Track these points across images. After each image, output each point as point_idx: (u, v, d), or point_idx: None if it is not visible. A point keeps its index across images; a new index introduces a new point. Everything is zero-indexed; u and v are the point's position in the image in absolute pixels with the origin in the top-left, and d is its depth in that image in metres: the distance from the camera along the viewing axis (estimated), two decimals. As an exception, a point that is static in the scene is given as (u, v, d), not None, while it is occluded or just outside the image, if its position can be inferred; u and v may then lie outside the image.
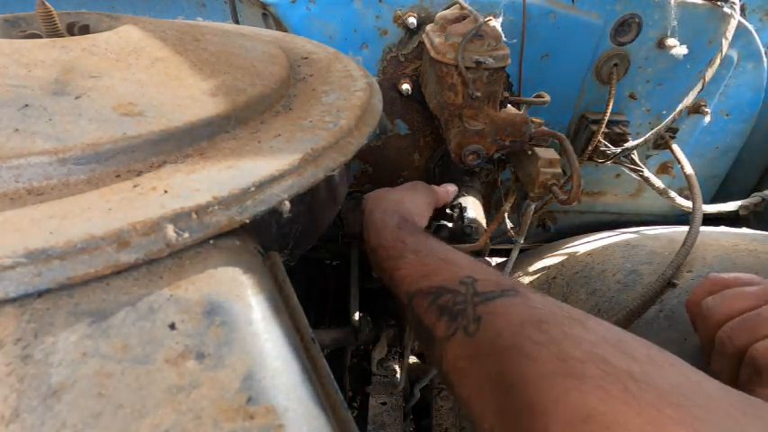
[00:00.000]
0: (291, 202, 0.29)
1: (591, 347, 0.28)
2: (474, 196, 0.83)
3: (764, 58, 0.82)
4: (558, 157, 0.58)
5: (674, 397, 0.24)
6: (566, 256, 0.83)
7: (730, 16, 0.73)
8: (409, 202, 0.59)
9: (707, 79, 0.74)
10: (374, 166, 0.89)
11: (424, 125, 0.84)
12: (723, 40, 0.72)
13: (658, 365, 0.27)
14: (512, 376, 0.29)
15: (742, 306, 0.38)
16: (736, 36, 0.73)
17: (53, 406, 0.19)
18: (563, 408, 0.25)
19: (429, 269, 0.42)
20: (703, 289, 0.42)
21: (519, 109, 0.70)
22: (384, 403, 0.61)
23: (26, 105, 0.29)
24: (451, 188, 0.71)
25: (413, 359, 0.84)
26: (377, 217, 0.55)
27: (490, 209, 0.96)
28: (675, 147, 0.83)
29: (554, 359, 0.28)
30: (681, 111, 0.78)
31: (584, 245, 0.84)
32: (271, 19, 0.73)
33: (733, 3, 0.73)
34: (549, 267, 0.83)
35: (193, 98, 0.34)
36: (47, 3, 0.39)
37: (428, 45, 0.65)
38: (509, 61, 0.59)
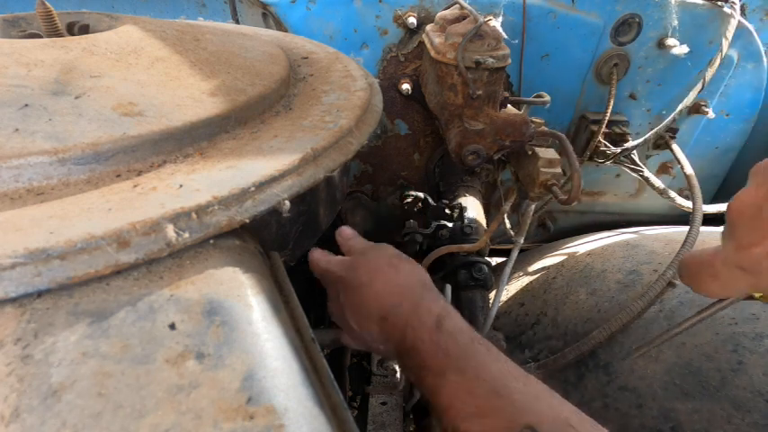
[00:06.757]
0: (291, 202, 0.29)
1: None
2: (474, 196, 0.83)
3: (764, 58, 0.82)
4: (558, 157, 0.58)
5: None
6: (566, 256, 0.83)
7: (730, 16, 0.73)
8: (425, 282, 0.44)
9: (707, 79, 0.74)
10: (374, 166, 0.89)
11: (424, 125, 0.84)
12: (723, 40, 0.72)
13: None
14: None
15: None
16: (736, 36, 0.73)
17: (53, 406, 0.19)
18: None
19: (478, 405, 0.35)
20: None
21: (519, 109, 0.70)
22: (384, 403, 0.61)
23: (26, 105, 0.29)
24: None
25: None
26: (406, 307, 0.41)
27: (490, 209, 0.96)
28: (675, 147, 0.83)
29: None
30: (681, 111, 0.78)
31: (584, 245, 0.84)
32: (271, 19, 0.73)
33: (733, 3, 0.73)
34: (548, 267, 0.83)
35: (193, 98, 0.34)
36: (47, 3, 0.39)
37: (428, 45, 0.65)
38: (509, 61, 0.59)
